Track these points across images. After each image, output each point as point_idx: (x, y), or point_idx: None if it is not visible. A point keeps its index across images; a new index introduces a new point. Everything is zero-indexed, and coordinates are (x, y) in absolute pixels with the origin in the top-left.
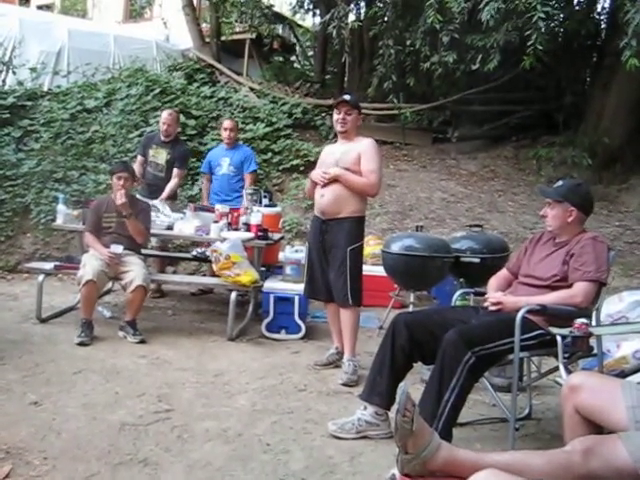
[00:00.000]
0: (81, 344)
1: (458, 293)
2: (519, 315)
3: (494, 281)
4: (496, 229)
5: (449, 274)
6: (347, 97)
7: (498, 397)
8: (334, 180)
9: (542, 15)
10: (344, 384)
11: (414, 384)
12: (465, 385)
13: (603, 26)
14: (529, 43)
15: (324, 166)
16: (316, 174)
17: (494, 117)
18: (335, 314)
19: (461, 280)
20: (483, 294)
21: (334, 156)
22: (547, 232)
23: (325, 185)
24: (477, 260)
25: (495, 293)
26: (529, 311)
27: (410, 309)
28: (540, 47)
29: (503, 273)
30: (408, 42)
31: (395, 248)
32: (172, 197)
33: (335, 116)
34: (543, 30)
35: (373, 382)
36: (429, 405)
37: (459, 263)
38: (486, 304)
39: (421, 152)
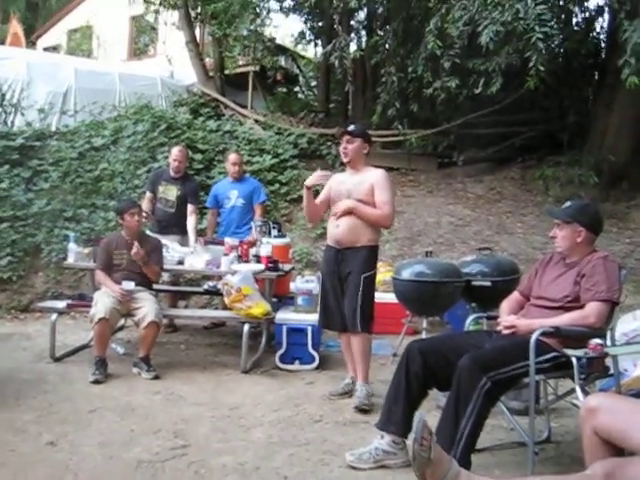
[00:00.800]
0: (95, 382)
1: (471, 318)
2: (533, 338)
3: (506, 304)
4: (505, 251)
5: (461, 298)
6: (351, 127)
7: (515, 421)
8: (349, 211)
9: (540, 36)
10: (357, 407)
11: (430, 411)
12: (482, 410)
13: (603, 45)
14: (530, 64)
15: (336, 196)
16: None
17: (499, 139)
18: (349, 344)
19: (473, 304)
20: (496, 318)
21: (345, 186)
22: (557, 253)
23: (340, 216)
24: (488, 283)
25: (508, 316)
26: (543, 333)
27: (423, 335)
28: (541, 68)
29: (515, 296)
30: (410, 69)
31: (406, 275)
32: (183, 232)
33: (340, 147)
34: (543, 51)
35: (389, 411)
36: (446, 432)
37: (470, 287)
38: (499, 328)
39: (427, 177)
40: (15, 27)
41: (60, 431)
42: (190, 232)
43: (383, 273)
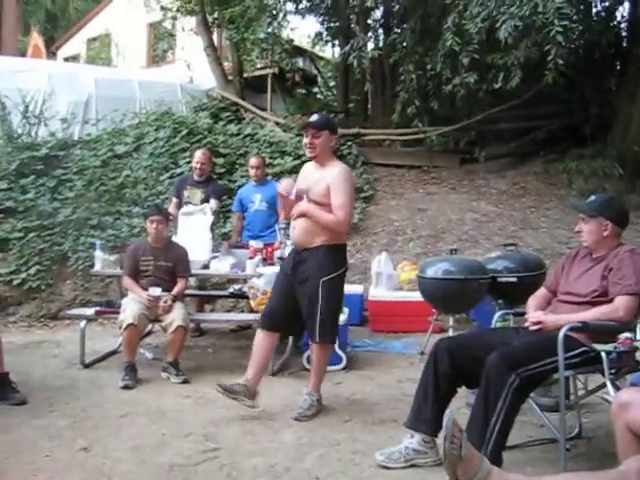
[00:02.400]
0: (125, 387)
1: (498, 315)
2: (561, 333)
3: (533, 300)
4: (531, 246)
5: (487, 295)
6: (313, 118)
7: (546, 417)
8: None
9: (560, 29)
10: (296, 418)
11: (459, 409)
12: (511, 407)
13: (624, 34)
14: (549, 58)
15: (299, 190)
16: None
17: (520, 134)
18: (266, 345)
19: (499, 301)
20: (523, 314)
21: (307, 182)
22: (583, 247)
23: (296, 218)
24: (514, 279)
25: (535, 312)
26: (571, 329)
27: (450, 333)
28: (560, 61)
29: (542, 292)
30: (429, 66)
31: (431, 273)
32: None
33: (304, 140)
34: (562, 44)
35: (418, 410)
36: (476, 430)
37: (496, 284)
38: (527, 324)
39: (449, 174)
40: (36, 39)
41: (93, 436)
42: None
43: (408, 272)
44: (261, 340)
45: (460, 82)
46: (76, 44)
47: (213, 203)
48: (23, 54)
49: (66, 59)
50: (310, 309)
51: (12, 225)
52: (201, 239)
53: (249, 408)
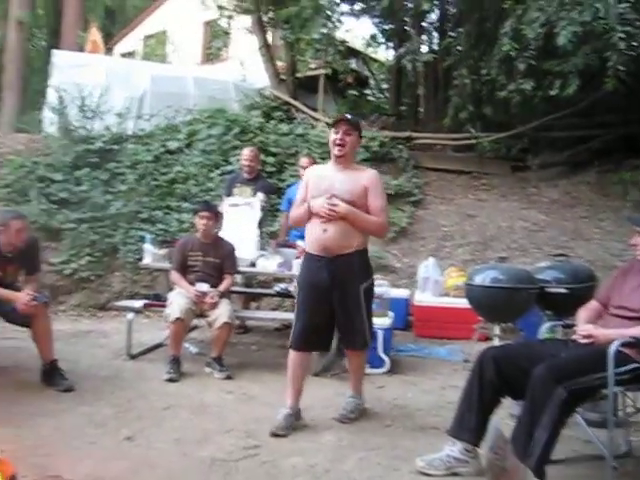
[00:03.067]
0: (170, 380)
1: (546, 326)
2: (612, 348)
3: (583, 313)
4: (582, 257)
5: (535, 306)
6: (348, 116)
7: (592, 433)
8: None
9: (622, 35)
10: (338, 420)
11: (503, 419)
12: (557, 421)
13: None
14: (609, 64)
15: (316, 192)
16: (320, 206)
17: (575, 142)
18: (305, 368)
19: (547, 312)
20: (572, 326)
21: (327, 182)
22: (638, 261)
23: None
24: (564, 290)
25: (585, 325)
26: (623, 344)
27: (495, 342)
28: (621, 68)
29: (592, 304)
30: (483, 71)
31: (479, 280)
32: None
33: (332, 136)
34: (624, 51)
35: (461, 418)
36: (520, 442)
37: (545, 294)
38: (576, 337)
39: (500, 181)
40: (94, 34)
41: (137, 427)
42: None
43: (455, 278)
44: (295, 363)
45: (515, 88)
46: (133, 41)
47: (261, 196)
48: (82, 49)
49: (123, 55)
50: (351, 317)
51: (65, 216)
52: (249, 235)
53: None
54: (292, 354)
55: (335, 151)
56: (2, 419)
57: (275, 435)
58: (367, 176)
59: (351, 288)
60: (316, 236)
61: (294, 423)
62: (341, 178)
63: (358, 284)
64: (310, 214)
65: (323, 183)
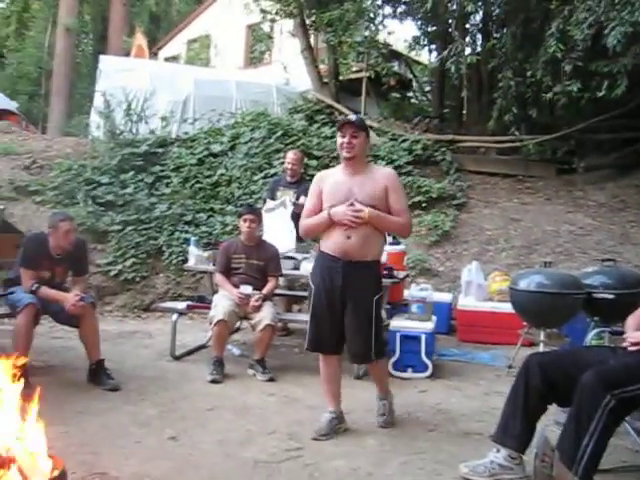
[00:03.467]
0: (213, 381)
1: (593, 332)
2: None
3: (633, 320)
4: (630, 262)
5: (581, 311)
6: (353, 117)
7: None
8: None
9: None
10: (382, 427)
11: (548, 426)
12: (605, 429)
13: None
14: None
15: (332, 198)
16: (342, 214)
17: (622, 145)
18: (336, 370)
19: (594, 318)
20: (620, 333)
21: (345, 187)
22: None
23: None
24: (611, 296)
25: (635, 332)
26: None
27: (540, 348)
28: None
29: None
30: (528, 73)
31: (523, 285)
32: (298, 238)
33: (339, 140)
34: None
35: (506, 424)
36: (567, 450)
37: (592, 300)
38: (625, 344)
39: (545, 184)
40: (139, 39)
41: (181, 427)
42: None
43: (499, 282)
44: (323, 365)
45: (561, 90)
46: (177, 45)
47: (302, 199)
48: (127, 54)
49: (167, 59)
50: (364, 329)
51: (111, 218)
52: (284, 230)
53: (344, 430)
54: (320, 357)
55: (344, 153)
56: (51, 417)
57: (317, 439)
58: (385, 175)
59: (364, 297)
60: (338, 242)
61: (337, 426)
62: (359, 181)
63: (371, 295)
64: (330, 223)
65: (341, 190)
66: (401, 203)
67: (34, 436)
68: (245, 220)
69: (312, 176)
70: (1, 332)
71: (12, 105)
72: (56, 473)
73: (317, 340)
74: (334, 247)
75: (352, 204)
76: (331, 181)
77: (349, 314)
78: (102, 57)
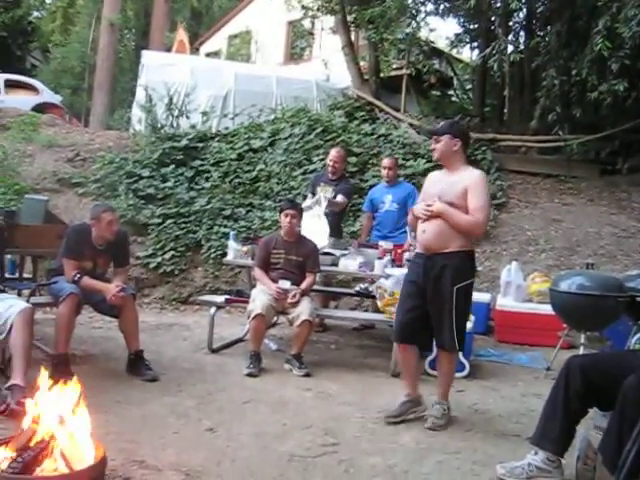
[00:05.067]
0: (250, 375)
1: (638, 336)
2: None
3: None
4: None
5: (623, 315)
6: (433, 127)
7: None
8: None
9: None
10: (430, 428)
11: (587, 430)
12: None
13: None
14: None
15: (427, 196)
16: (418, 208)
17: None
18: (412, 357)
19: (638, 322)
20: None
21: (439, 185)
22: None
23: (427, 219)
24: None
25: None
26: None
27: (581, 350)
28: None
29: None
30: (573, 71)
31: (564, 287)
32: (337, 234)
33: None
34: None
35: (545, 427)
36: (609, 454)
37: (635, 303)
38: None
39: (588, 185)
40: (181, 35)
41: (218, 419)
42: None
43: (539, 284)
44: (401, 354)
45: (607, 89)
46: (218, 40)
47: (340, 198)
48: (169, 49)
49: (208, 55)
50: (442, 316)
51: (151, 211)
52: (318, 225)
53: (423, 413)
54: (395, 347)
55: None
56: (91, 405)
57: (388, 421)
58: (469, 177)
59: (443, 287)
60: (419, 237)
61: (410, 410)
62: (448, 181)
63: (452, 284)
64: (416, 218)
65: (434, 188)
66: (476, 202)
67: (77, 422)
68: (286, 215)
69: (351, 173)
70: (44, 321)
71: (56, 99)
72: (97, 459)
73: (400, 332)
74: (419, 243)
75: (434, 201)
76: (431, 180)
77: (429, 304)
78: (144, 52)
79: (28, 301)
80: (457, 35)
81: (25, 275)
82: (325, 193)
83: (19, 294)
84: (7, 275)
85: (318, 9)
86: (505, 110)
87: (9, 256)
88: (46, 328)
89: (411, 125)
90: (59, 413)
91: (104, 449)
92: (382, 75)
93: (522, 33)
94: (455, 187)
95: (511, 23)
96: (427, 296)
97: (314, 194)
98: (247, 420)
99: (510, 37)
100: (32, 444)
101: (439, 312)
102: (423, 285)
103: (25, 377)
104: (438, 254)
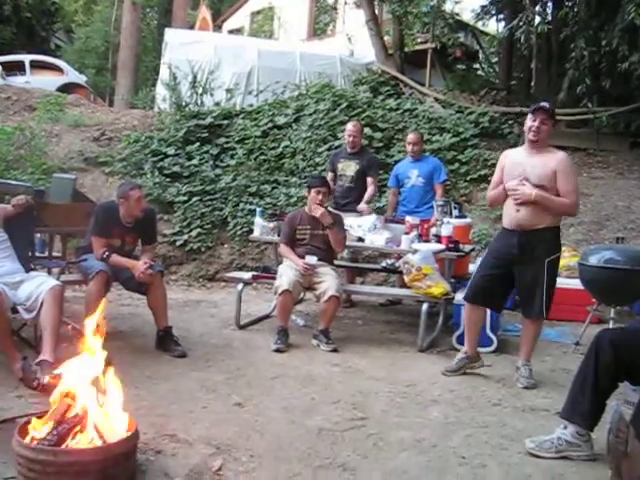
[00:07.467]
0: (277, 351)
1: None
2: None
3: None
4: None
5: None
6: (546, 105)
7: None
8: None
9: None
10: (525, 387)
11: (619, 404)
12: None
13: None
14: None
15: (510, 177)
16: (512, 190)
17: None
18: (477, 318)
19: None
20: None
21: (522, 167)
22: None
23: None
24: None
25: None
26: None
27: (610, 325)
28: None
29: None
30: (603, 42)
31: (594, 261)
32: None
33: (529, 123)
34: None
35: (574, 401)
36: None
37: None
38: None
39: (618, 158)
40: (204, 12)
41: (247, 394)
42: (365, 198)
43: (568, 258)
44: (469, 313)
45: (638, 59)
46: (241, 17)
47: (363, 207)
48: (192, 27)
49: (231, 32)
50: (535, 287)
51: (177, 189)
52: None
53: (480, 367)
54: (465, 307)
55: (530, 136)
56: (122, 380)
57: (446, 374)
58: (557, 159)
59: (537, 260)
60: (511, 215)
61: (468, 365)
62: (533, 163)
63: (545, 257)
64: (505, 196)
65: (517, 169)
66: (569, 186)
67: (110, 397)
68: (318, 192)
69: (377, 148)
70: (74, 298)
71: (81, 79)
72: (130, 433)
73: (473, 294)
74: (509, 221)
75: (522, 181)
76: (512, 159)
77: (521, 276)
78: (167, 30)
79: (58, 279)
80: (483, 7)
81: (54, 254)
82: (349, 169)
83: (49, 272)
84: (37, 254)
85: None
86: (532, 83)
87: (39, 235)
88: (76, 305)
89: (436, 100)
90: (93, 387)
91: (136, 423)
92: (406, 49)
93: (550, 4)
94: (544, 169)
95: None
96: (518, 269)
97: (334, 171)
98: (275, 395)
99: (537, 8)
100: (67, 417)
101: (532, 283)
102: (515, 259)
103: (54, 353)
104: (533, 230)
